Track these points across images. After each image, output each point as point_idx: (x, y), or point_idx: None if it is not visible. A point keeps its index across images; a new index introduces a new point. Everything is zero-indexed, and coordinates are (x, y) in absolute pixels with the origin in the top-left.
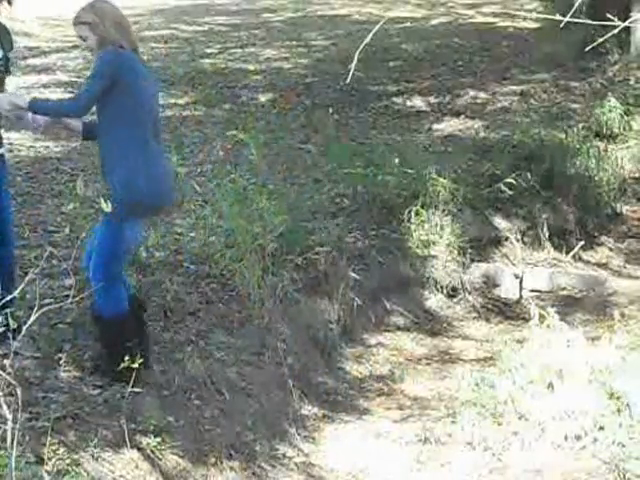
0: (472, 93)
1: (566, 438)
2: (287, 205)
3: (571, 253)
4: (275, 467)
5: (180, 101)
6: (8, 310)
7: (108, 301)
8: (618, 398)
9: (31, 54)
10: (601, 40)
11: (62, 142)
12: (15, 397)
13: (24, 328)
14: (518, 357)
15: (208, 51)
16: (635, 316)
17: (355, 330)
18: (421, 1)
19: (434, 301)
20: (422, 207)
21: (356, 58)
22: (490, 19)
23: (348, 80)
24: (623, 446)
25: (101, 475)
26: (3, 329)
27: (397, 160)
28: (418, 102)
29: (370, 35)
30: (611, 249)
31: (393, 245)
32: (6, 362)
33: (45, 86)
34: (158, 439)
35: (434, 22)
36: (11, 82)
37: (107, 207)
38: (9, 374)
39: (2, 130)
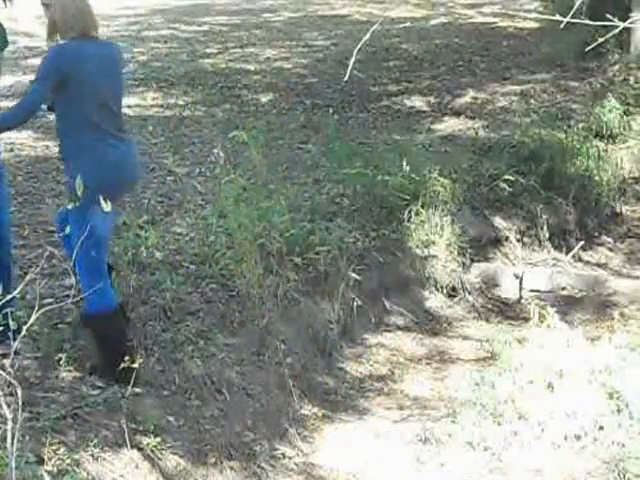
0: (472, 93)
1: (566, 438)
2: (287, 205)
3: (571, 253)
4: (275, 467)
5: (180, 101)
6: (8, 310)
7: (93, 296)
8: (618, 398)
9: (32, 54)
10: (601, 40)
11: None
12: (15, 397)
13: (24, 328)
14: (518, 357)
15: (208, 51)
16: (635, 316)
17: (355, 330)
18: (421, 1)
19: (434, 301)
20: (422, 207)
21: (354, 56)
22: (490, 19)
23: (346, 78)
24: (623, 446)
25: (101, 475)
26: (2, 328)
27: (397, 160)
28: (418, 102)
29: (369, 33)
30: (611, 249)
31: (393, 245)
32: (6, 362)
33: None
34: (158, 439)
35: (434, 22)
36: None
37: (107, 207)
38: (9, 374)
39: None
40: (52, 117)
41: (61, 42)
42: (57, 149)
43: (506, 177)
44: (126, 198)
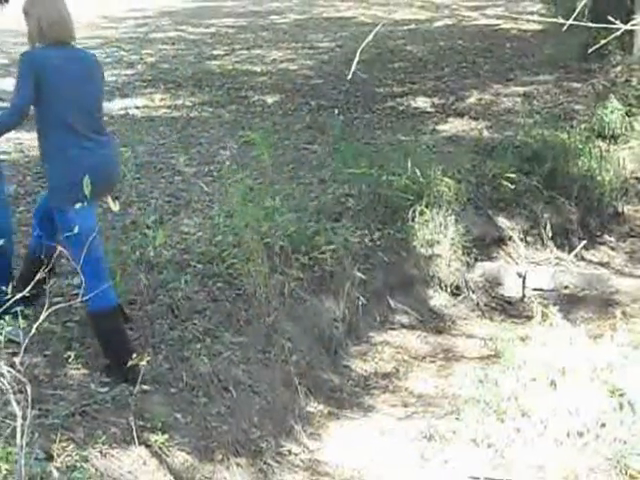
0: (476, 94)
1: (568, 435)
2: (293, 205)
3: (573, 252)
4: (281, 463)
5: (187, 102)
6: (19, 308)
7: (92, 294)
8: (620, 395)
9: None
10: (604, 42)
11: None
12: (25, 394)
13: (34, 326)
14: (521, 355)
15: (215, 53)
16: (637, 314)
17: (360, 328)
18: (425, 3)
19: (438, 300)
20: (426, 207)
21: (358, 56)
22: (493, 21)
23: (350, 76)
24: (625, 443)
25: (109, 471)
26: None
27: (402, 160)
28: (423, 103)
29: (372, 34)
30: (613, 248)
31: (398, 244)
32: (16, 360)
33: None
34: (165, 436)
35: (438, 24)
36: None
37: (115, 206)
38: (19, 371)
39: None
40: None
41: (37, 47)
42: None
43: (508, 175)
44: (134, 198)
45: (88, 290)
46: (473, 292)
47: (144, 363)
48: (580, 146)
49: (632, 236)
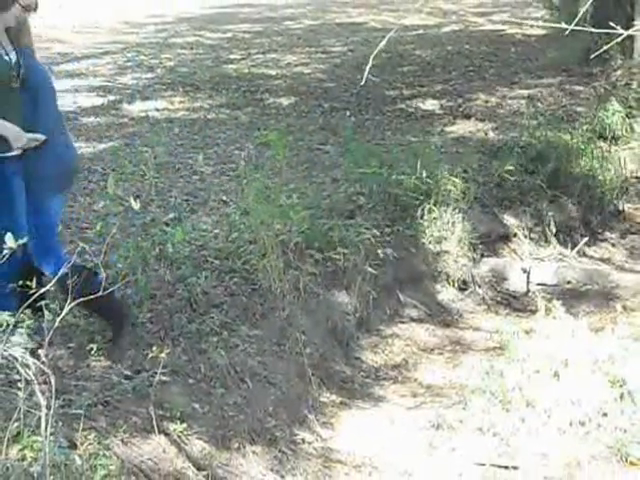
0: (482, 97)
1: (571, 424)
2: (307, 203)
3: (576, 248)
4: (295, 452)
5: (205, 104)
6: (43, 302)
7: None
8: (620, 386)
9: (64, 60)
10: (606, 48)
11: (94, 143)
12: (49, 385)
13: (57, 319)
14: (525, 347)
15: (232, 57)
16: (637, 308)
17: (371, 321)
18: (434, 9)
19: (446, 294)
20: (434, 205)
21: (371, 62)
22: (499, 26)
23: (363, 82)
24: (625, 431)
25: (130, 459)
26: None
27: (411, 160)
28: (431, 105)
29: (384, 41)
30: (614, 245)
31: (407, 241)
32: (40, 352)
33: (77, 90)
34: (184, 425)
35: (446, 29)
36: None
37: (136, 205)
38: (43, 363)
39: None
40: (82, 120)
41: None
42: (89, 150)
43: (508, 168)
44: (154, 196)
45: (59, 262)
46: (479, 287)
47: (163, 355)
48: (582, 147)
49: (632, 233)
